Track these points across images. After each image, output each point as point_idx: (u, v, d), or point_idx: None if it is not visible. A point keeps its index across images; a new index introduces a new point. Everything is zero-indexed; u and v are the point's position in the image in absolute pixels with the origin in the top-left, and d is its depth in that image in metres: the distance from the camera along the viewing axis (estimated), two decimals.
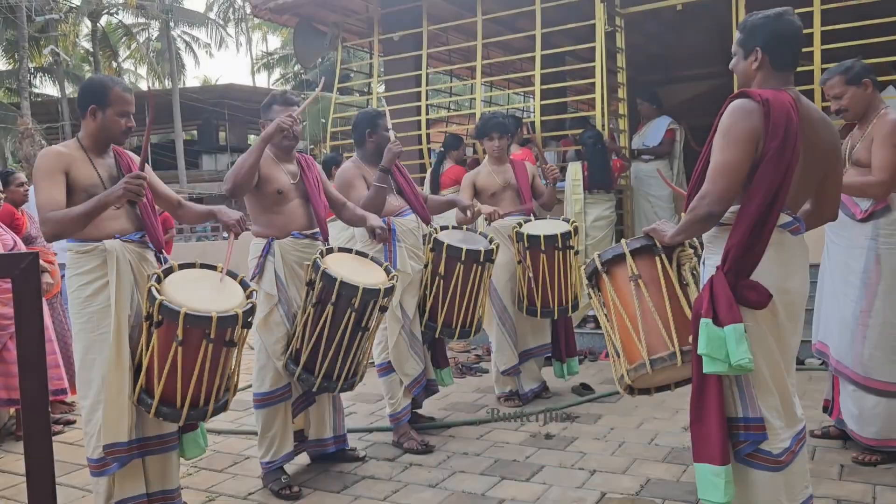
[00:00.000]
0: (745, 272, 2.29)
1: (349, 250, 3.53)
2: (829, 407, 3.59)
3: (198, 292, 2.67)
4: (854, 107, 3.30)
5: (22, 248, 4.50)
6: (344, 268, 3.21)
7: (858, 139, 3.30)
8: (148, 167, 2.92)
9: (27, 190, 4.68)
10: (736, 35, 2.49)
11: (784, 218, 2.35)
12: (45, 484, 1.58)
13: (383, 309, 3.32)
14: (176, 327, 2.51)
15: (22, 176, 4.71)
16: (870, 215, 3.28)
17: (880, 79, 3.62)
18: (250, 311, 2.71)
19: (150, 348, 2.60)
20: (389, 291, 3.26)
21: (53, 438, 3.47)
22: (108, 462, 2.66)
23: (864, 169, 3.25)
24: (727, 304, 2.25)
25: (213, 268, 2.88)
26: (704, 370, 2.29)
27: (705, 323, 2.27)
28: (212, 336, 2.55)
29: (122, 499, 2.70)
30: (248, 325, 2.70)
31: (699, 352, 2.29)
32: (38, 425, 1.62)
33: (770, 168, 2.23)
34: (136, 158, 2.91)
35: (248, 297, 2.77)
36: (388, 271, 3.42)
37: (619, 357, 2.61)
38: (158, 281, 2.63)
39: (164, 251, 2.96)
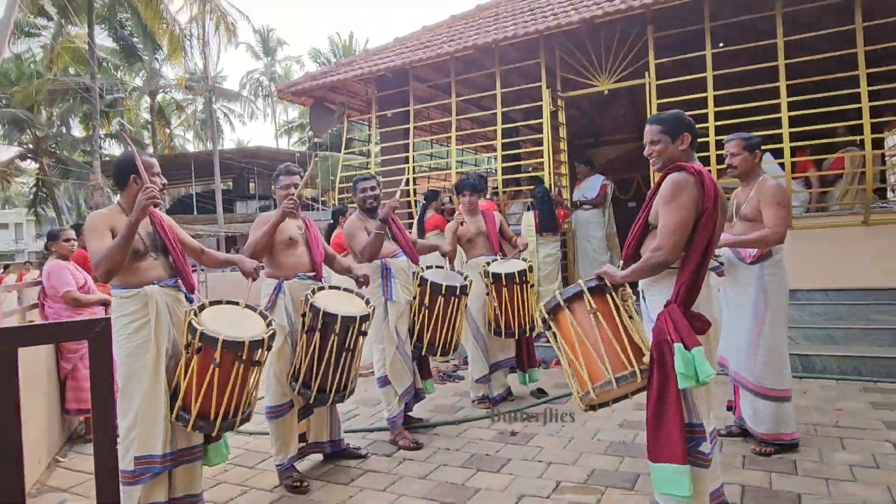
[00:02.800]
0: (690, 305, 2.29)
1: (337, 287, 3.45)
2: (733, 407, 3.58)
3: (228, 323, 2.60)
4: (741, 167, 3.36)
5: (92, 286, 4.38)
6: (330, 301, 3.16)
7: (744, 199, 3.34)
8: (173, 222, 2.87)
9: (74, 244, 4.43)
10: (655, 128, 2.46)
11: (712, 263, 2.38)
12: (111, 483, 1.48)
13: (363, 333, 3.21)
14: (214, 352, 2.45)
15: (70, 232, 4.46)
16: (757, 259, 3.31)
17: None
18: (273, 336, 2.67)
19: (189, 373, 2.51)
20: (366, 319, 3.17)
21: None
22: (140, 473, 2.53)
23: (751, 223, 3.27)
24: (687, 331, 2.24)
25: (237, 303, 2.82)
26: (680, 386, 2.23)
27: (679, 347, 2.21)
28: (243, 358, 2.49)
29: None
30: (270, 348, 2.66)
31: (678, 371, 2.20)
32: (104, 439, 1.52)
33: (706, 225, 2.27)
34: (167, 218, 2.86)
35: (269, 325, 2.72)
36: (367, 302, 3.36)
37: (583, 377, 2.47)
38: (196, 315, 2.57)
39: (194, 292, 2.85)
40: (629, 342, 2.42)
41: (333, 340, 3.07)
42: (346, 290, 3.45)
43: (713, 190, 2.26)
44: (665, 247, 2.27)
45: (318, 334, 3.05)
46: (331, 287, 3.43)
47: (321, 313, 3.03)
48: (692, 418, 2.30)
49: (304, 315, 3.12)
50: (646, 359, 2.32)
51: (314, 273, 3.42)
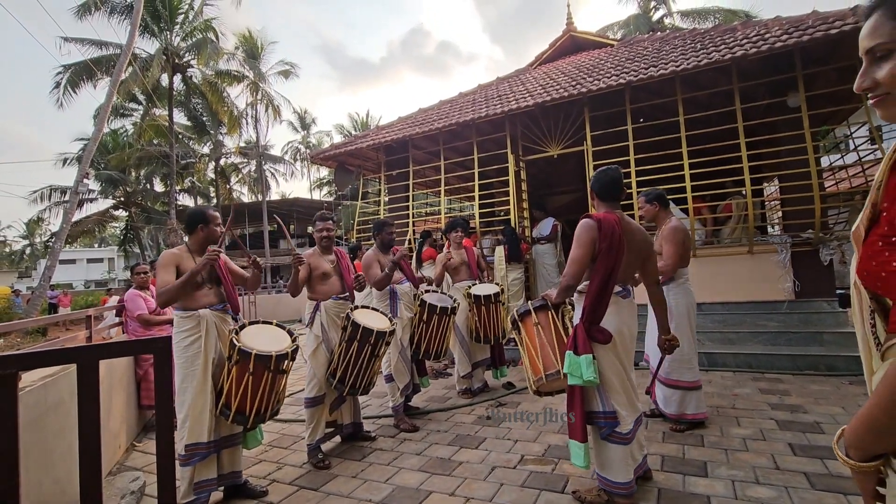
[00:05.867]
0: (596, 321, 2.28)
1: (367, 307, 3.44)
2: (650, 392, 3.54)
3: (261, 340, 2.58)
4: (646, 216, 3.40)
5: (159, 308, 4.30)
6: (365, 319, 3.15)
7: (655, 238, 3.37)
8: (227, 258, 2.84)
9: (144, 276, 4.37)
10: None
11: (617, 288, 2.36)
12: (169, 460, 1.46)
13: (388, 343, 3.21)
14: (248, 363, 2.42)
15: (142, 267, 4.42)
16: (663, 283, 3.33)
17: (669, 196, 3.70)
18: (296, 350, 2.63)
19: (230, 378, 2.48)
20: (392, 333, 3.18)
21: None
22: (191, 456, 2.48)
23: (659, 256, 3.30)
24: (583, 342, 2.24)
25: (270, 322, 2.80)
26: (569, 383, 2.25)
27: (569, 353, 2.25)
28: (271, 368, 2.47)
29: (199, 480, 2.51)
30: (293, 359, 2.60)
31: (564, 371, 2.26)
32: (165, 431, 1.52)
33: (603, 260, 2.25)
34: (223, 255, 2.82)
35: (293, 340, 2.67)
36: (391, 320, 3.34)
37: (529, 371, 2.57)
38: (237, 334, 2.55)
39: (238, 313, 2.81)
40: (560, 348, 2.44)
41: (367, 349, 3.05)
42: (373, 308, 3.42)
43: (610, 234, 2.23)
44: (568, 273, 2.27)
45: (356, 344, 3.03)
46: (363, 306, 3.40)
47: (361, 328, 3.01)
48: (605, 407, 2.26)
49: (345, 328, 3.08)
50: None
51: (346, 294, 3.36)
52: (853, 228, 0.86)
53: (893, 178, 0.79)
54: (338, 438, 3.49)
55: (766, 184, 7.88)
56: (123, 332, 4.36)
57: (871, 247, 0.79)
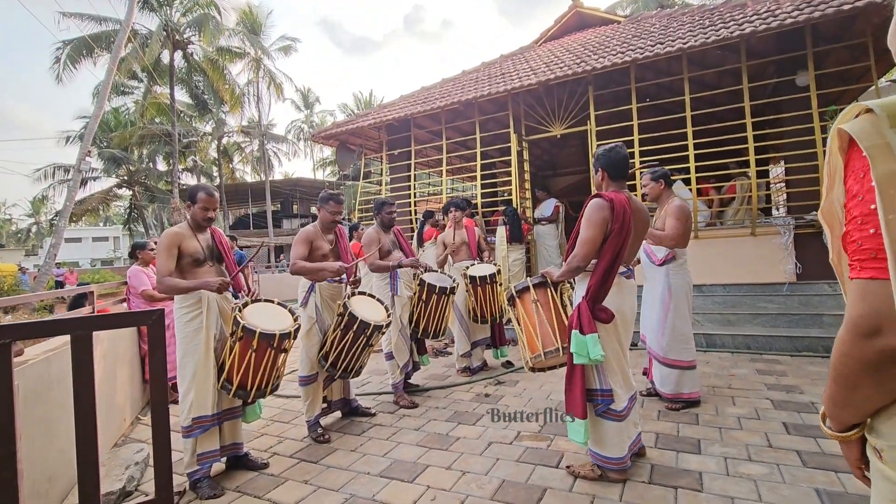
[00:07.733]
0: (599, 300, 2.28)
1: (363, 293, 3.42)
2: (647, 372, 3.58)
3: (264, 318, 2.59)
4: (650, 193, 3.37)
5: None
6: (362, 309, 3.14)
7: (658, 215, 3.35)
8: (225, 238, 2.83)
9: (150, 252, 4.43)
10: (592, 160, 2.50)
11: (622, 269, 2.35)
12: (164, 427, 1.48)
13: (382, 333, 3.19)
14: (252, 340, 2.43)
15: (150, 243, 4.49)
16: (663, 262, 3.31)
17: (673, 177, 3.66)
18: (298, 329, 2.65)
19: (233, 354, 2.50)
20: (388, 325, 3.18)
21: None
22: (194, 428, 2.52)
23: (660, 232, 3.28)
24: (588, 321, 2.24)
25: (272, 301, 2.80)
26: (574, 362, 2.25)
27: (575, 333, 2.25)
28: (274, 346, 2.48)
29: (202, 452, 2.55)
30: (296, 338, 2.63)
31: (571, 350, 2.26)
32: (161, 405, 1.53)
33: (614, 240, 2.24)
34: (224, 236, 2.82)
35: (295, 320, 2.69)
36: (386, 309, 3.32)
37: (525, 348, 2.57)
38: (240, 311, 2.56)
39: (240, 291, 2.82)
40: (559, 325, 2.44)
41: (362, 339, 3.07)
42: (369, 295, 3.42)
43: (622, 214, 2.22)
44: (578, 254, 2.25)
45: (352, 333, 3.03)
46: (360, 292, 3.38)
47: (358, 321, 3.00)
48: (602, 385, 2.28)
49: (341, 315, 3.06)
50: None
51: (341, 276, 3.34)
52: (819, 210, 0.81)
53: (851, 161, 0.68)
54: (338, 414, 3.54)
55: (772, 165, 7.76)
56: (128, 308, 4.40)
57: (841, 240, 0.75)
